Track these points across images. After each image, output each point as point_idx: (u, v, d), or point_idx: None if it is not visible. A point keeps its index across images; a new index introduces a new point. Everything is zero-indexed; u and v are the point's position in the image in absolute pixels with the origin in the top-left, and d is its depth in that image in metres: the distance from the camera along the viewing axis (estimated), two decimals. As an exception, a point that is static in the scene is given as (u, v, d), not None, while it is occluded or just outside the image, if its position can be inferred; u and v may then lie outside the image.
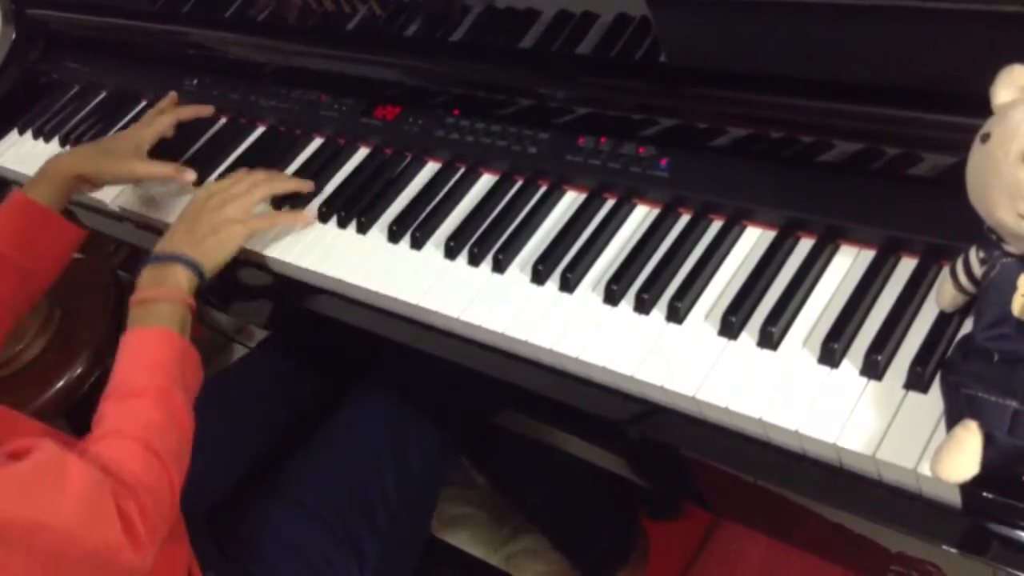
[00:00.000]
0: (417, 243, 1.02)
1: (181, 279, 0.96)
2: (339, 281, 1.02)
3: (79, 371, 1.48)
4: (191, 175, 1.18)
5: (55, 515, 0.68)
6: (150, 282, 0.96)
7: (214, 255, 1.01)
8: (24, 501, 0.67)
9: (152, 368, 0.87)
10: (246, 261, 1.11)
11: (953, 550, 0.68)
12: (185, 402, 0.87)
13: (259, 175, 1.09)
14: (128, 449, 0.79)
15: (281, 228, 1.10)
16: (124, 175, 1.17)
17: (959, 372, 0.66)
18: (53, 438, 0.94)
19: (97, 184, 1.18)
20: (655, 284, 0.87)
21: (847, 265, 0.82)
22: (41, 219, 1.11)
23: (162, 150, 1.32)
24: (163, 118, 1.24)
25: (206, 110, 1.29)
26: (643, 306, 0.86)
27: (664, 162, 0.94)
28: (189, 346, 0.92)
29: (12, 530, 0.66)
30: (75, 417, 1.49)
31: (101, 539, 0.71)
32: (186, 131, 1.34)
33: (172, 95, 1.32)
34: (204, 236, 1.01)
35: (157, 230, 1.20)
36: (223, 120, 1.33)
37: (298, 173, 1.18)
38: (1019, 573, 0.66)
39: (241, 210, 1.03)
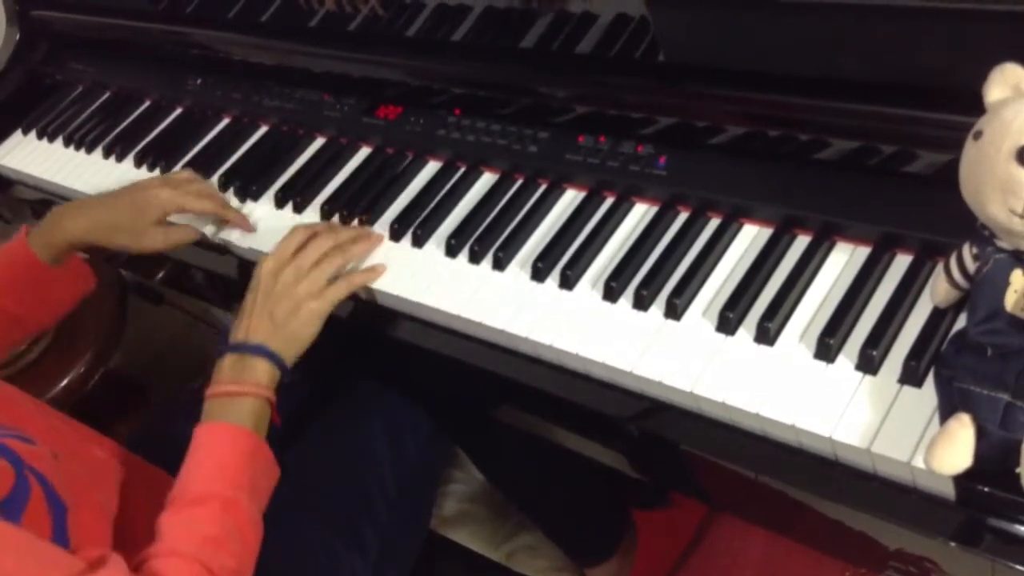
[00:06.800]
0: (418, 241, 1.03)
1: (261, 373, 0.92)
2: (341, 279, 1.03)
3: (82, 371, 1.49)
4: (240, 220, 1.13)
5: None
6: (229, 374, 0.91)
7: (296, 342, 0.95)
8: None
9: (218, 472, 0.84)
10: (254, 261, 1.12)
11: (949, 544, 0.69)
12: (250, 510, 0.84)
13: (326, 242, 0.99)
14: (184, 571, 0.76)
15: (287, 228, 1.10)
16: (144, 250, 1.10)
17: (952, 366, 0.67)
18: (74, 431, 0.94)
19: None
20: (653, 281, 0.88)
21: (843, 261, 0.83)
22: (41, 275, 1.08)
23: (163, 152, 1.33)
24: (206, 203, 1.13)
25: (247, 224, 1.16)
26: (642, 303, 0.87)
27: (662, 160, 0.95)
28: (262, 445, 0.89)
29: None
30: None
31: None
32: (188, 131, 1.35)
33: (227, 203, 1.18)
34: (285, 321, 0.94)
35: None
36: (226, 120, 1.34)
37: (300, 172, 1.19)
38: (1014, 565, 0.66)
39: (316, 287, 0.96)
